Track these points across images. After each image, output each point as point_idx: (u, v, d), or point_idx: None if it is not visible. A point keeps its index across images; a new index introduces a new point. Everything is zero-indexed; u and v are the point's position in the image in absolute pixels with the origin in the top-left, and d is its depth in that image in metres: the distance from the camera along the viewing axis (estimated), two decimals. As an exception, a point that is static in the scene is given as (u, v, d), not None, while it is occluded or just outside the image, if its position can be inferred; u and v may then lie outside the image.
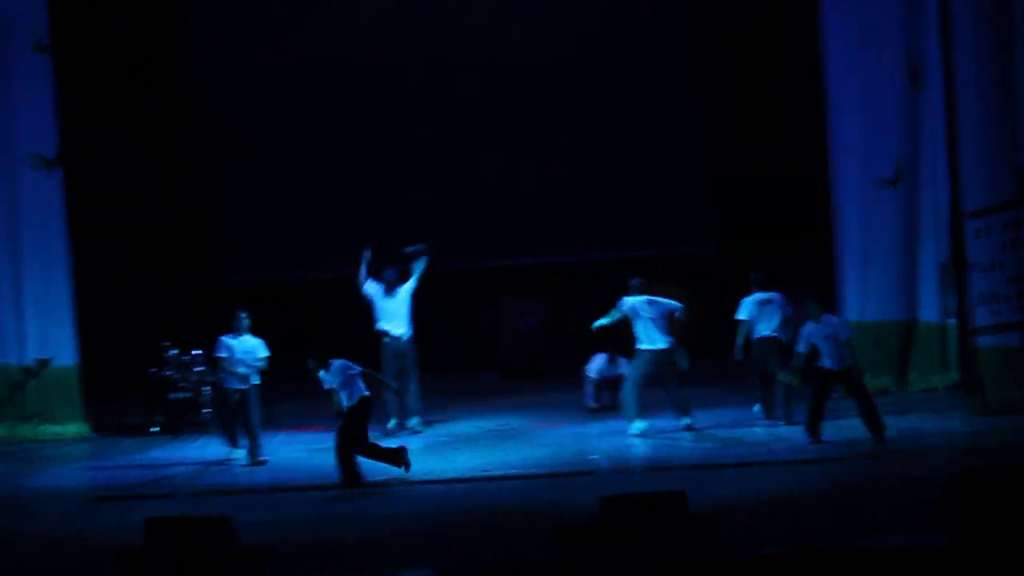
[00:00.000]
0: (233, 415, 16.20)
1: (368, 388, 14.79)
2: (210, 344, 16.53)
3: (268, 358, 16.14)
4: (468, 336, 22.41)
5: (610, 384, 18.35)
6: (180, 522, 11.86)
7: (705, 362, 17.59)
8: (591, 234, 22.66)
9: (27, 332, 18.48)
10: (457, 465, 15.45)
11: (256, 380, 16.10)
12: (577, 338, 19.50)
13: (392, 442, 15.67)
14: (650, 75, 22.41)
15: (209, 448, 17.18)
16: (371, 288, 17.72)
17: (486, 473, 14.97)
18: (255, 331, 16.23)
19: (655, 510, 11.76)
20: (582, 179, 22.57)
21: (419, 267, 17.70)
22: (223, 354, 16.10)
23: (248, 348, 16.11)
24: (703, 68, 22.36)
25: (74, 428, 18.51)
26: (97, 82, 21.20)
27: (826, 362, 15.44)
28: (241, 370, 16.03)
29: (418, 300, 17.73)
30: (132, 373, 19.25)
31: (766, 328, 17.00)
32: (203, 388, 18.41)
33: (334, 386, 14.68)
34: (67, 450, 17.88)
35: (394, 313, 17.62)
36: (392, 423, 17.58)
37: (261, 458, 16.02)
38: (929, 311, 18.40)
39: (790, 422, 16.55)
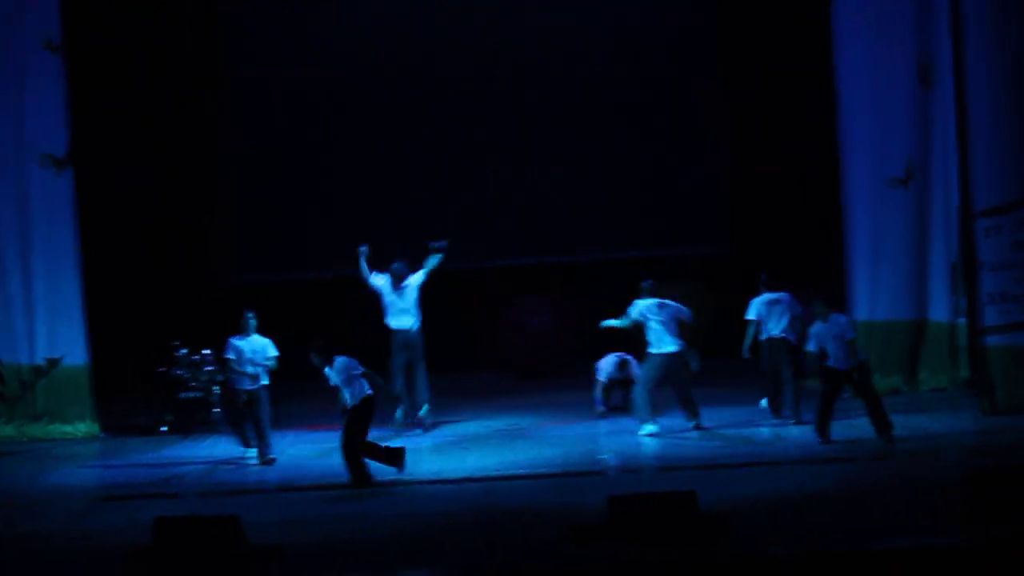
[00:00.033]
0: (242, 415, 16.22)
1: (372, 388, 14.79)
2: (220, 344, 16.54)
3: (278, 357, 16.16)
4: (468, 336, 22.37)
5: (621, 384, 18.26)
6: (189, 522, 11.86)
7: (713, 362, 17.57)
8: (593, 234, 22.59)
9: (37, 331, 18.49)
10: (466, 465, 15.45)
11: (266, 380, 16.11)
12: (586, 338, 19.51)
13: (400, 441, 15.67)
14: (656, 74, 22.34)
15: (219, 448, 17.21)
16: (378, 281, 17.73)
17: (495, 473, 14.96)
18: (263, 331, 16.24)
19: (665, 510, 11.75)
20: (583, 179, 22.50)
21: (433, 262, 17.71)
22: (231, 356, 16.13)
23: (257, 348, 16.12)
24: (711, 67, 22.32)
25: (84, 427, 18.52)
26: (106, 82, 21.21)
27: (834, 362, 15.42)
28: (250, 370, 16.05)
29: (419, 300, 17.76)
30: (133, 373, 19.27)
31: (775, 328, 16.99)
32: (213, 388, 18.43)
33: (337, 383, 14.70)
34: (77, 449, 17.89)
35: (402, 305, 17.62)
36: (399, 413, 17.58)
37: (270, 457, 16.04)
38: (939, 311, 18.37)
39: (799, 421, 16.54)
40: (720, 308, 19.87)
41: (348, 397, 14.67)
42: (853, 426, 15.74)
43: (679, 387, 16.71)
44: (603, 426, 17.50)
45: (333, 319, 20.33)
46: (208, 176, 22.72)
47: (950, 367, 18.39)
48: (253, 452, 16.17)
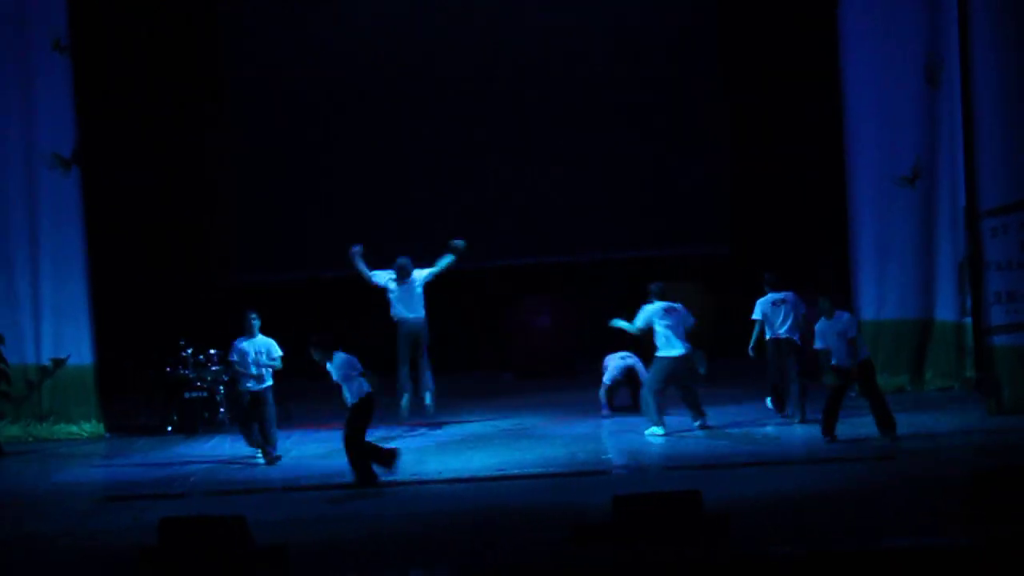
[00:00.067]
0: (247, 415, 16.21)
1: (372, 386, 14.78)
2: (223, 343, 16.51)
3: (283, 357, 16.14)
4: (468, 336, 22.35)
5: (627, 382, 18.19)
6: (195, 522, 11.84)
7: (718, 362, 17.56)
8: (593, 234, 22.58)
9: (44, 331, 18.44)
10: (472, 464, 15.44)
11: (270, 380, 16.09)
12: (587, 338, 19.50)
13: (407, 440, 15.66)
14: (656, 74, 22.33)
15: (224, 447, 17.20)
16: (381, 277, 17.73)
17: (501, 472, 14.95)
18: (264, 331, 16.22)
19: (669, 510, 11.73)
20: (583, 179, 22.49)
21: (444, 262, 17.73)
22: (234, 358, 16.13)
23: (261, 348, 16.11)
24: (711, 67, 22.31)
25: (89, 427, 18.49)
26: (107, 82, 21.18)
27: (838, 359, 15.42)
28: (255, 370, 16.03)
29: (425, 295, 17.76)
30: (134, 372, 19.22)
31: (780, 328, 16.98)
32: (219, 388, 18.41)
33: (338, 379, 14.69)
34: (82, 449, 17.86)
35: (408, 299, 17.61)
36: (404, 402, 17.58)
37: (275, 456, 16.01)
38: (945, 310, 18.32)
39: (805, 420, 16.54)
40: (720, 308, 19.92)
41: (348, 395, 14.67)
42: (859, 425, 15.73)
43: (685, 389, 16.71)
44: (608, 425, 17.48)
45: (334, 319, 20.31)
46: (208, 176, 22.71)
47: (956, 367, 18.33)
48: (259, 451, 16.16)
